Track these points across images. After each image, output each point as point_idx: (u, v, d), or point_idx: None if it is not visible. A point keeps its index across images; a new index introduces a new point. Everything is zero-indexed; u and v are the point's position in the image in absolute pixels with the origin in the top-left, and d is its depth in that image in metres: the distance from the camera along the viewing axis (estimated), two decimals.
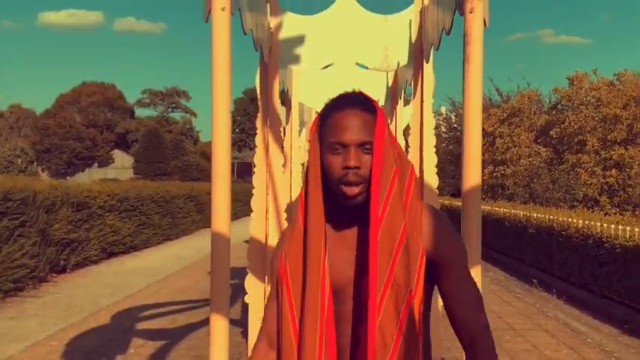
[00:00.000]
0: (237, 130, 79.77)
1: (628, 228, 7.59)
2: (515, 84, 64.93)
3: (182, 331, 6.49)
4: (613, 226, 8.00)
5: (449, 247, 1.54)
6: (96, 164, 65.68)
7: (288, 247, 1.53)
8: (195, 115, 77.54)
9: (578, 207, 19.00)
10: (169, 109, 77.26)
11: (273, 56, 5.35)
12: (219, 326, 2.71)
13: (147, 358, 5.51)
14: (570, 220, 9.42)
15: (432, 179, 5.23)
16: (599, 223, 8.36)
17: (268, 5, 5.24)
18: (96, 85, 71.40)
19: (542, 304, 8.28)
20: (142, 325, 6.74)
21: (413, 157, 5.44)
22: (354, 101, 1.53)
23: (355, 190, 1.45)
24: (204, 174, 43.10)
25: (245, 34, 4.03)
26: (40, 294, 8.56)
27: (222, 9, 2.68)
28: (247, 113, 76.90)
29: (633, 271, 7.09)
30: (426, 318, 1.51)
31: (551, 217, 10.19)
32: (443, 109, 34.92)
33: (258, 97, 5.70)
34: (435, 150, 5.48)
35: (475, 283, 1.59)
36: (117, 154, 66.71)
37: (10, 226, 8.48)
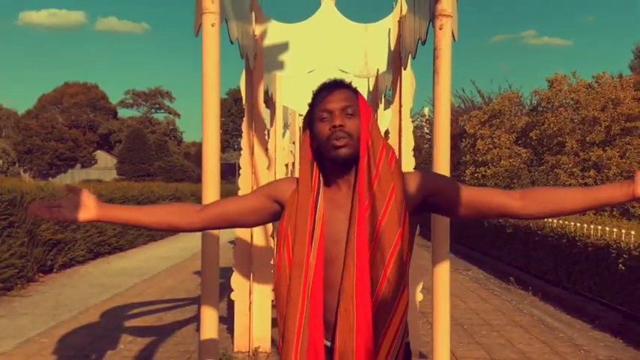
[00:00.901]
0: (220, 130, 79.46)
1: (599, 227, 7.90)
2: (497, 86, 65.36)
3: (169, 328, 6.68)
4: (585, 225, 8.31)
5: (438, 179, 1.91)
6: (79, 165, 65.29)
7: (289, 210, 1.82)
8: (178, 115, 77.39)
9: None
10: (152, 110, 77.05)
11: (258, 63, 5.59)
12: (210, 316, 2.92)
13: (136, 353, 5.70)
14: (545, 220, 9.73)
15: None
16: (572, 223, 8.67)
17: (253, 13, 5.48)
18: (78, 85, 71.02)
19: (518, 301, 8.57)
20: (130, 323, 6.93)
21: None
22: (336, 82, 1.87)
23: (342, 142, 1.74)
24: (188, 175, 43.14)
25: (232, 43, 4.25)
26: (29, 293, 8.70)
27: (212, 25, 2.90)
28: (231, 114, 76.84)
29: (603, 268, 7.39)
30: (407, 267, 1.78)
31: None
32: (426, 110, 35.27)
33: (244, 101, 5.93)
34: (412, 153, 5.75)
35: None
36: (100, 154, 66.37)
37: None
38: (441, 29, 2.90)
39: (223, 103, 77.21)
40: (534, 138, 24.29)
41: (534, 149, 24.71)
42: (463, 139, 27.67)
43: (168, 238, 17.56)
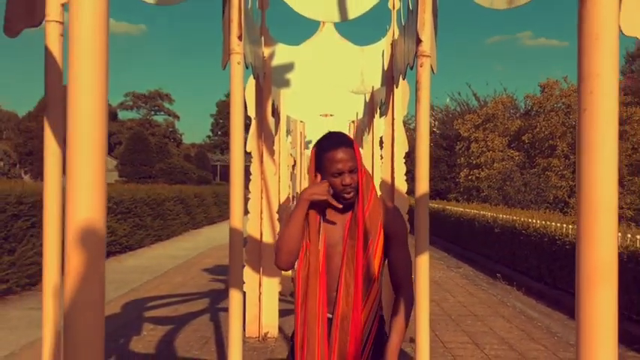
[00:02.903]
0: (219, 132, 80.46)
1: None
2: (492, 89, 66.07)
3: (185, 318, 7.39)
4: (565, 225, 9.04)
5: (398, 226, 2.57)
6: None
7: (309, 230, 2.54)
8: (177, 117, 78.08)
9: (548, 208, 20.14)
10: (152, 112, 77.76)
11: (267, 81, 6.31)
12: (236, 297, 3.60)
13: (159, 338, 6.41)
14: (530, 220, 10.47)
15: (401, 184, 6.22)
16: (553, 223, 9.40)
17: (262, 38, 6.20)
18: None
19: (504, 295, 9.30)
20: (149, 314, 7.64)
21: (386, 166, 6.44)
22: (341, 141, 2.55)
23: (351, 195, 2.48)
24: (189, 176, 43.82)
25: (247, 68, 4.96)
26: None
27: (238, 63, 3.60)
28: (230, 116, 77.30)
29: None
30: (380, 278, 2.51)
31: (514, 217, 11.24)
32: None
33: (249, 111, 6.61)
34: (404, 160, 6.47)
35: (410, 254, 2.58)
36: None
37: (24, 227, 9.33)
38: (421, 67, 3.60)
39: (223, 105, 77.97)
40: (526, 141, 25.11)
41: (526, 152, 25.51)
42: (458, 142, 28.44)
43: (172, 239, 18.27)
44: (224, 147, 77.85)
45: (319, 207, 2.53)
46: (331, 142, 2.53)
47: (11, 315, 7.68)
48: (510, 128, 26.12)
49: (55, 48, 2.96)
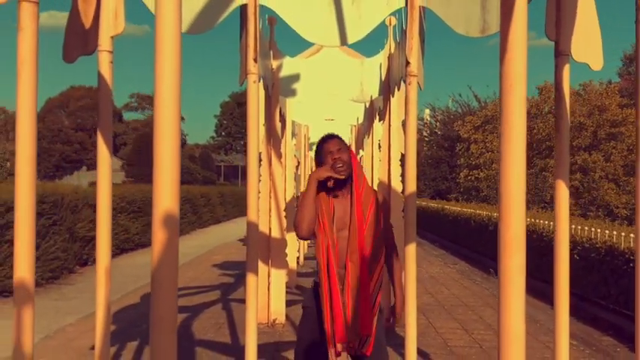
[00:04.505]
0: (223, 133, 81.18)
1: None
2: (492, 90, 66.52)
3: (199, 307, 8.05)
4: (552, 222, 9.67)
5: (386, 202, 3.33)
6: (84, 167, 66.77)
7: (320, 208, 3.24)
8: (182, 118, 78.73)
9: (545, 207, 20.75)
10: None
11: (275, 91, 6.97)
12: (252, 283, 4.24)
13: (177, 324, 7.06)
14: None
15: (397, 184, 6.86)
16: (541, 221, 10.03)
17: (271, 51, 6.85)
18: (84, 89, 72.54)
19: (495, 289, 9.90)
20: None
21: (383, 168, 7.10)
22: (331, 135, 3.37)
23: (343, 169, 3.18)
24: (194, 177, 44.52)
25: (259, 80, 5.61)
26: (73, 282, 10.09)
27: (254, 82, 4.25)
28: (233, 117, 78.28)
29: None
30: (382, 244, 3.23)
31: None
32: (427, 112, 36.77)
33: (263, 122, 7.25)
34: (399, 163, 7.11)
35: (392, 226, 3.40)
36: None
37: (46, 224, 9.99)
38: (409, 84, 4.25)
39: (226, 106, 78.68)
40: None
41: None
42: (458, 144, 29.06)
43: (181, 237, 18.74)
44: (228, 148, 78.59)
45: (326, 190, 3.24)
46: (323, 138, 3.37)
47: (39, 305, 8.28)
48: None
49: (106, 72, 3.62)
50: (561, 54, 3.61)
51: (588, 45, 3.85)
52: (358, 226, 3.16)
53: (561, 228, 3.68)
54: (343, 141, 3.34)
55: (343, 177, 3.19)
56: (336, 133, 3.51)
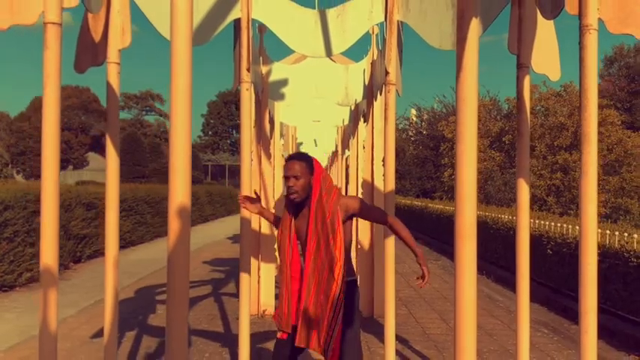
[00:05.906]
0: (210, 132, 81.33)
1: (537, 221, 9.74)
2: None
3: (192, 300, 8.41)
4: (532, 220, 10.14)
5: (354, 206, 3.52)
6: (71, 167, 66.69)
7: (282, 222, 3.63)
8: (168, 117, 78.75)
9: (532, 208, 21.24)
10: (143, 112, 78.63)
11: (264, 95, 7.37)
12: (245, 278, 4.64)
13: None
14: (500, 216, 11.58)
15: (380, 184, 7.28)
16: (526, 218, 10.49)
17: (261, 57, 7.25)
18: (71, 88, 72.32)
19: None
20: (160, 297, 8.68)
21: (366, 168, 7.53)
22: (292, 157, 3.62)
23: (294, 195, 3.49)
24: None
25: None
26: (68, 277, 10.44)
27: (247, 89, 4.65)
28: (220, 116, 78.45)
29: (538, 253, 9.24)
30: (346, 247, 3.55)
31: (486, 213, 12.36)
32: (413, 112, 37.33)
33: (253, 124, 7.65)
34: (382, 163, 7.52)
35: (378, 208, 3.75)
36: (91, 156, 67.80)
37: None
38: (389, 92, 4.67)
39: (213, 105, 78.85)
40: (507, 142, 26.24)
41: (507, 153, 26.65)
42: (442, 143, 29.60)
43: None
44: (215, 147, 78.74)
45: (292, 208, 3.59)
46: (287, 158, 3.64)
47: (38, 299, 8.68)
48: (492, 130, 27.25)
49: (114, 82, 4.02)
50: (522, 66, 4.06)
51: (547, 58, 4.30)
52: (308, 238, 3.44)
53: (522, 224, 4.18)
54: (301, 160, 3.53)
55: (298, 201, 3.48)
56: (300, 152, 3.80)
